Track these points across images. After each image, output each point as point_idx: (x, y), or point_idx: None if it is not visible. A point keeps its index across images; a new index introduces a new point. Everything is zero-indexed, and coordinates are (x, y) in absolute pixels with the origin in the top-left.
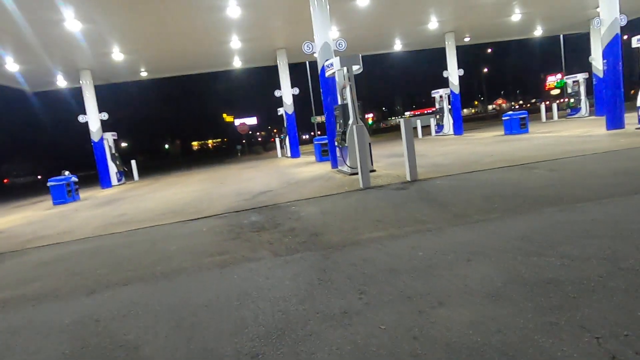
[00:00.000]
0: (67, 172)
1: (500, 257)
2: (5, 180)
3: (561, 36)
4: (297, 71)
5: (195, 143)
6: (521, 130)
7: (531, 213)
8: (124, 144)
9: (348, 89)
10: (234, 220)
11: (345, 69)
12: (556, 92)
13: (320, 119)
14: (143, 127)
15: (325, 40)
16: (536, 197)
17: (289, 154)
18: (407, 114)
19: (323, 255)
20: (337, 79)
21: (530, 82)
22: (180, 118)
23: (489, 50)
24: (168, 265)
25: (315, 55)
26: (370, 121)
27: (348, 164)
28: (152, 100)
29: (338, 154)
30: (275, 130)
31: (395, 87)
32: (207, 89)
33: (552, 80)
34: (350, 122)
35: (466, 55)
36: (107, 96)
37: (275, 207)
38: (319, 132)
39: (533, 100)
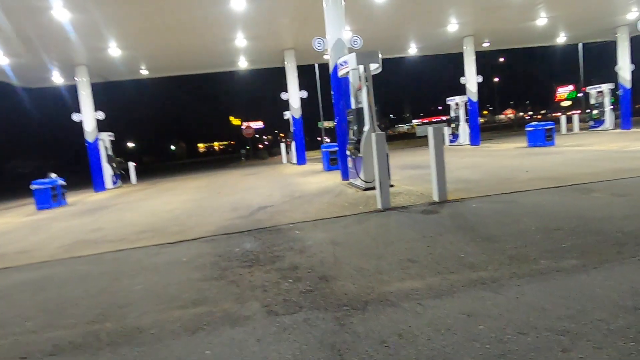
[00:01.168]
0: (53, 175)
1: (617, 346)
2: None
3: (580, 45)
4: (305, 74)
5: (201, 145)
6: (547, 143)
7: (627, 261)
8: (130, 144)
9: (364, 90)
10: (223, 246)
11: (361, 67)
12: (567, 103)
13: (327, 124)
14: (150, 127)
15: (338, 37)
16: (619, 235)
17: (294, 160)
18: (415, 122)
19: (336, 319)
20: (351, 79)
21: (540, 92)
22: (188, 119)
23: (501, 60)
24: (121, 321)
25: (325, 56)
26: None
27: (362, 177)
28: (159, 101)
29: (350, 164)
30: (282, 135)
31: (403, 93)
32: (214, 91)
33: (562, 91)
34: (366, 129)
35: (476, 63)
36: (113, 95)
37: (275, 229)
38: (327, 139)
39: (543, 112)
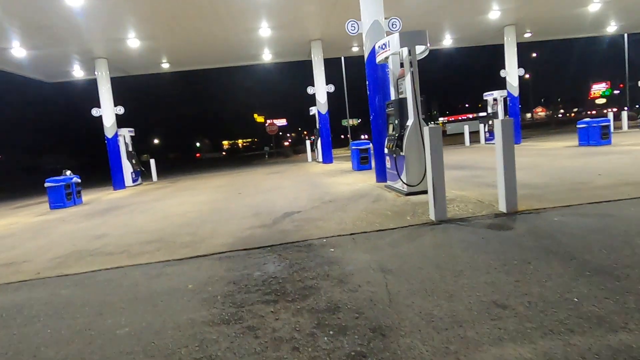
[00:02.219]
0: (68, 172)
1: None
2: (197, 155)
3: (625, 35)
4: (330, 69)
5: (225, 142)
6: (602, 141)
7: None
8: (156, 141)
9: (408, 78)
10: (240, 267)
11: (405, 50)
12: (602, 101)
13: (352, 122)
14: (176, 124)
15: (375, 18)
16: None
17: (320, 158)
18: (441, 119)
19: None
20: (390, 66)
21: (572, 90)
22: (212, 116)
23: (534, 55)
24: None
25: (354, 48)
26: None
27: (404, 180)
28: (185, 97)
29: (388, 165)
30: (305, 133)
31: (429, 90)
32: (239, 87)
33: (597, 88)
34: (410, 122)
35: (501, 58)
36: (139, 90)
37: (305, 245)
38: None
39: (575, 110)
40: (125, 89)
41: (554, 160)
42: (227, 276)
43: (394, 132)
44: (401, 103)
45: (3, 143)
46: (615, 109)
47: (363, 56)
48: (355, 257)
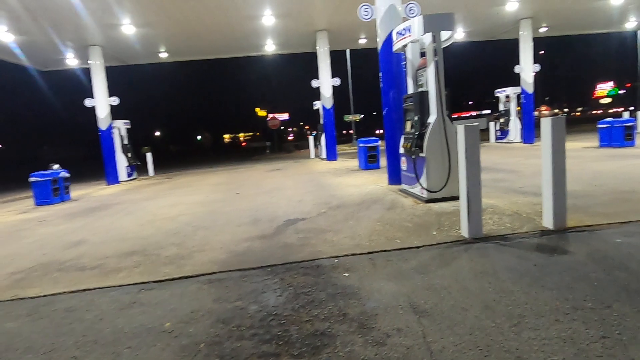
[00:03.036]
0: (56, 166)
1: None
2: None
3: (639, 33)
4: (333, 63)
5: (226, 136)
6: (626, 143)
7: None
8: (157, 133)
9: (432, 68)
10: (233, 296)
11: (428, 36)
12: (607, 100)
13: (353, 117)
14: (177, 116)
15: (391, 2)
16: None
17: (323, 155)
18: None
19: None
20: (409, 55)
21: (576, 89)
22: (214, 109)
23: (541, 52)
24: None
25: (362, 40)
26: None
27: (425, 185)
28: (187, 90)
29: (404, 166)
30: (307, 127)
31: None
32: (241, 80)
33: (602, 88)
34: (433, 119)
35: (508, 54)
36: (140, 82)
37: (312, 267)
38: (351, 133)
39: (579, 109)
40: (126, 79)
41: (581, 163)
42: (215, 310)
43: (412, 130)
44: (422, 97)
45: (4, 133)
46: (621, 109)
47: (370, 49)
48: (377, 286)
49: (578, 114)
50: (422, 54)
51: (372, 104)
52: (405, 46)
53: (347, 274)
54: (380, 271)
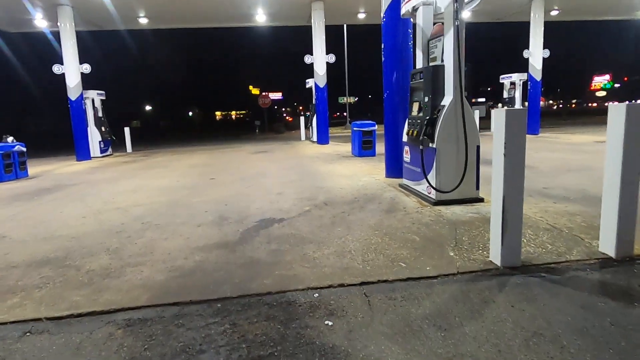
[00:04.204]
0: (10, 139)
1: None
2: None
3: None
4: (329, 41)
5: (218, 113)
6: None
7: None
8: (148, 107)
9: (450, 37)
10: (153, 357)
11: None
12: (602, 93)
13: (348, 99)
14: (169, 91)
15: None
16: None
17: (314, 138)
18: None
19: None
20: (419, 21)
21: (572, 80)
22: (207, 85)
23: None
24: None
25: (360, 15)
26: None
27: (434, 183)
28: (179, 64)
29: (407, 157)
30: (301, 108)
31: None
32: (235, 57)
33: (599, 80)
34: (448, 101)
35: (507, 42)
36: (131, 52)
37: (283, 306)
38: (345, 115)
39: (574, 101)
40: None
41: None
42: None
43: (420, 114)
44: (435, 73)
45: None
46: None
47: (369, 25)
48: (375, 351)
49: (574, 105)
50: (437, 20)
51: (368, 87)
52: (415, 9)
53: (330, 322)
54: (379, 319)
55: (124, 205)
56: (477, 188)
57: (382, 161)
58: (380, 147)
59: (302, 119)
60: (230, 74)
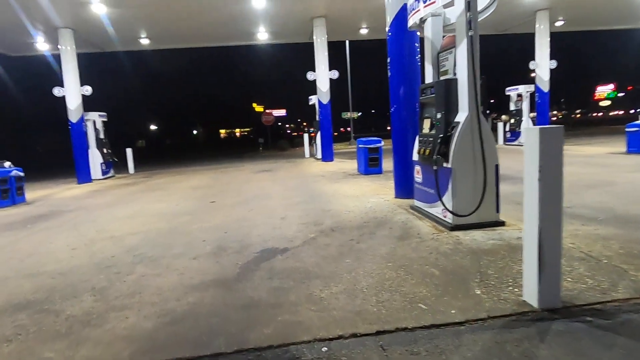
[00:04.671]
0: (7, 164)
1: None
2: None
3: None
4: (330, 57)
5: (222, 131)
6: None
7: None
8: (153, 127)
9: (463, 46)
10: None
11: (460, 3)
12: (606, 103)
13: (351, 114)
14: (174, 110)
15: None
16: None
17: (319, 155)
18: None
19: None
20: (427, 33)
21: (574, 90)
22: (211, 103)
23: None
24: None
25: (363, 30)
26: None
27: (449, 206)
28: (183, 83)
29: (418, 177)
30: (304, 124)
31: None
32: (239, 75)
33: (602, 90)
34: (463, 117)
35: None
36: (137, 71)
37: None
38: (349, 130)
39: (578, 112)
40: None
41: (621, 174)
42: None
43: (432, 132)
44: (448, 87)
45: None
46: (622, 112)
47: (371, 41)
48: None
49: (578, 116)
50: (445, 31)
51: (371, 102)
52: (423, 21)
53: None
54: None
55: (119, 234)
56: (498, 210)
57: (389, 179)
58: (387, 164)
59: (305, 136)
60: (234, 91)
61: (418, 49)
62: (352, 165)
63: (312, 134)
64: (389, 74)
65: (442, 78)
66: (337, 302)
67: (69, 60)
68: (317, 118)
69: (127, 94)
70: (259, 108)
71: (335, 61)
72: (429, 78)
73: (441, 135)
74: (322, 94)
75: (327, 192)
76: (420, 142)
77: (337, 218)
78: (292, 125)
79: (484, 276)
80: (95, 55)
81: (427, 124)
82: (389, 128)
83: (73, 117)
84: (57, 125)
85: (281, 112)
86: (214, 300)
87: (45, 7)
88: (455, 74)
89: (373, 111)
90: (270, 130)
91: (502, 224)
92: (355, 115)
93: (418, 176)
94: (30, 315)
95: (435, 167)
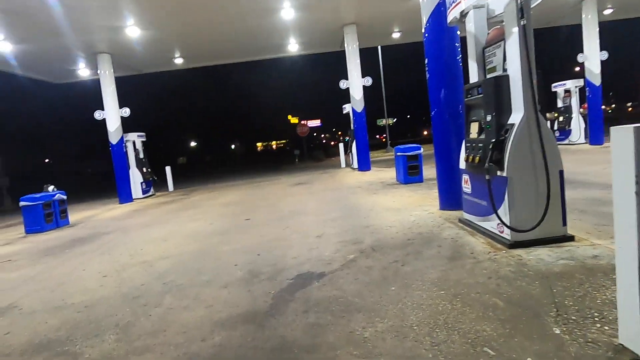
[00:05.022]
0: (51, 187)
1: None
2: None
3: None
4: (363, 61)
5: (259, 144)
6: None
7: None
8: (193, 143)
9: (515, 38)
10: None
11: None
12: None
13: (386, 121)
14: (212, 126)
15: None
16: None
17: (355, 164)
18: None
19: None
20: (469, 27)
21: (625, 83)
22: (248, 118)
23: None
24: None
25: (395, 34)
26: None
27: (507, 220)
28: (220, 99)
29: (466, 187)
30: (339, 133)
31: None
32: (273, 88)
33: None
34: (519, 119)
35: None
36: (172, 91)
37: None
38: (384, 138)
39: (629, 105)
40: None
41: None
42: None
43: (482, 136)
44: (498, 85)
45: (50, 148)
46: None
47: (404, 45)
48: None
49: (630, 109)
50: (491, 23)
51: (405, 107)
52: (464, 15)
53: None
54: None
55: (151, 258)
56: (564, 223)
57: (432, 188)
58: (427, 171)
59: (341, 145)
60: (269, 104)
61: (459, 48)
62: (390, 174)
63: (347, 144)
64: (427, 75)
65: (489, 76)
66: (384, 345)
67: (108, 84)
68: (352, 127)
69: (168, 114)
70: (294, 120)
71: (367, 67)
72: (473, 77)
73: (493, 140)
74: (356, 102)
75: (365, 205)
76: (467, 148)
77: (377, 235)
78: (327, 135)
79: (561, 308)
80: (136, 77)
81: (474, 127)
82: (425, 133)
83: (113, 138)
84: (105, 147)
85: (316, 123)
86: (243, 341)
87: (83, 33)
88: (505, 70)
89: (408, 116)
90: (305, 140)
91: (570, 238)
92: (391, 121)
93: (467, 186)
94: (48, 358)
95: (487, 177)
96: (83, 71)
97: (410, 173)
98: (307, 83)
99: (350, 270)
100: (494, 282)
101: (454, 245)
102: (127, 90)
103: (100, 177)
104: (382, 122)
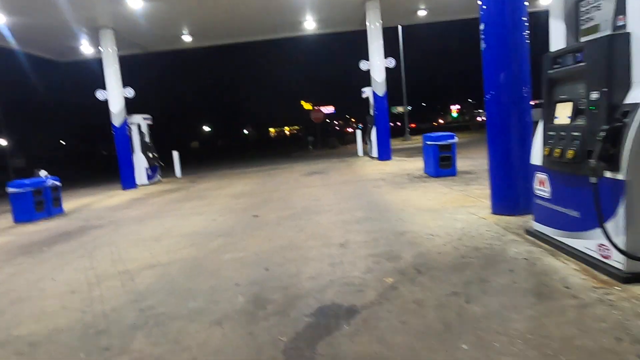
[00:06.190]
0: (42, 173)
1: None
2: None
3: None
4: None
5: (272, 130)
6: None
7: None
8: (207, 128)
9: None
10: None
11: None
12: None
13: (400, 109)
14: (225, 111)
15: None
16: None
17: (374, 153)
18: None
19: None
20: None
21: None
22: (261, 103)
23: None
24: None
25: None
26: (455, 113)
27: (620, 244)
28: (234, 83)
29: (543, 191)
30: (353, 120)
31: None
32: (286, 74)
33: None
34: None
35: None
36: (187, 75)
37: None
38: (400, 125)
39: None
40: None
41: None
42: None
43: (578, 122)
44: (611, 47)
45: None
46: None
47: (427, 25)
48: None
49: None
50: None
51: (420, 95)
52: None
53: None
54: None
55: (134, 267)
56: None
57: (469, 183)
58: (461, 163)
59: (358, 132)
60: (282, 89)
61: (527, 23)
62: (414, 164)
63: (365, 130)
64: (482, 46)
65: (588, 37)
66: None
67: (111, 63)
68: (372, 112)
69: (182, 98)
70: (307, 105)
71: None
72: (558, 43)
73: (606, 127)
74: (378, 85)
75: (394, 202)
76: (549, 137)
77: (418, 248)
78: (340, 122)
79: None
80: (149, 59)
81: (564, 109)
82: (441, 121)
83: (116, 120)
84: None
85: (329, 109)
86: None
87: (83, 5)
88: (616, 29)
89: (424, 104)
90: (320, 127)
91: None
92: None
93: (543, 188)
94: None
95: (594, 180)
96: (87, 48)
97: (442, 165)
98: (320, 68)
99: (392, 307)
100: (628, 347)
101: (533, 272)
102: (140, 73)
103: (113, 159)
104: (397, 109)
